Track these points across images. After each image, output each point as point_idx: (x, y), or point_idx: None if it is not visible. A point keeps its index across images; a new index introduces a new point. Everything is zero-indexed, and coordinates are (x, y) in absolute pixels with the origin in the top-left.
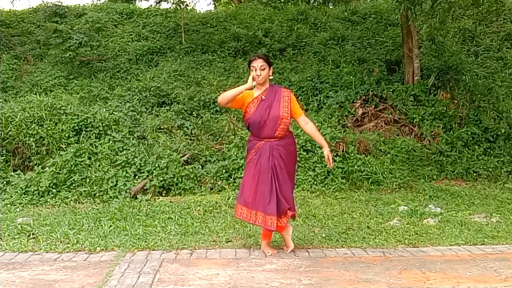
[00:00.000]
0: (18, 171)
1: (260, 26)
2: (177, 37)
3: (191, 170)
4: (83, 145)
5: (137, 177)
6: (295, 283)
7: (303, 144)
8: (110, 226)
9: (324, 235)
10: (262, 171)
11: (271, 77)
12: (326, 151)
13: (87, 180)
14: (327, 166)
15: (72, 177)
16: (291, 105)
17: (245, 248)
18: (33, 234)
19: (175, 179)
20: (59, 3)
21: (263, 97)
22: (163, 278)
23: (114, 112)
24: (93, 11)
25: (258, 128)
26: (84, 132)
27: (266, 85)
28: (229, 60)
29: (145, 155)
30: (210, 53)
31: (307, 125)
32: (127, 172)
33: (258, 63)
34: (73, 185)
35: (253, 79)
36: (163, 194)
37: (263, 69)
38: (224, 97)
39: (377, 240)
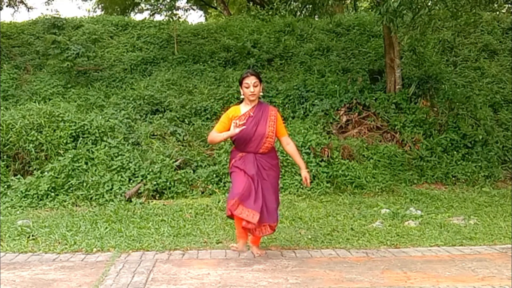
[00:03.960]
0: (18, 176)
1: (249, 38)
2: (170, 48)
3: (183, 174)
4: (80, 150)
5: (131, 181)
6: (282, 282)
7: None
8: (106, 228)
9: (310, 237)
10: (250, 175)
11: (261, 94)
12: (304, 172)
13: (84, 184)
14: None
15: (69, 181)
16: (277, 124)
17: None
18: (32, 235)
19: (168, 183)
20: (58, 16)
21: (252, 113)
22: (157, 277)
23: (110, 120)
24: (90, 23)
25: (244, 144)
26: (81, 138)
27: (255, 101)
28: (219, 70)
29: (139, 161)
30: (201, 63)
31: (289, 145)
32: (122, 177)
33: (252, 80)
34: (71, 189)
35: (237, 126)
36: (157, 198)
37: (256, 86)
38: (213, 141)
39: (360, 241)
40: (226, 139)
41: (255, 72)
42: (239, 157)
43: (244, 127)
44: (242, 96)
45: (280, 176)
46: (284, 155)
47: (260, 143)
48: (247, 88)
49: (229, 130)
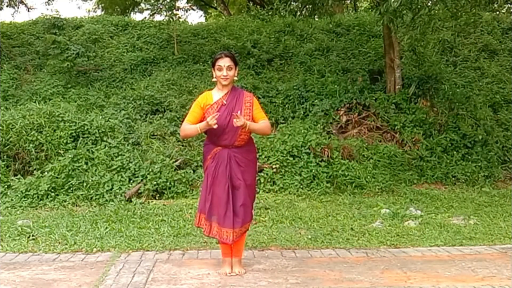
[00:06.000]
0: (19, 176)
1: (249, 38)
2: (170, 48)
3: (183, 174)
4: (80, 151)
5: (131, 181)
6: (282, 282)
7: (290, 150)
8: (106, 228)
9: (310, 237)
10: (220, 181)
11: (235, 78)
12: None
13: (84, 184)
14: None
15: (70, 181)
16: (253, 111)
17: None
18: (32, 235)
19: (168, 183)
20: (58, 16)
21: (224, 101)
22: (157, 277)
23: (110, 120)
24: (90, 23)
25: (217, 136)
26: (81, 138)
27: (229, 87)
28: None
29: (139, 161)
30: (201, 63)
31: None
32: (122, 177)
33: (226, 62)
34: (71, 189)
35: (212, 123)
36: (157, 198)
37: (230, 69)
38: (186, 135)
39: (360, 241)
40: (201, 132)
41: (230, 53)
42: (212, 155)
43: (215, 121)
44: (214, 79)
45: (280, 176)
46: (284, 154)
47: (235, 134)
48: (219, 70)
49: (201, 120)
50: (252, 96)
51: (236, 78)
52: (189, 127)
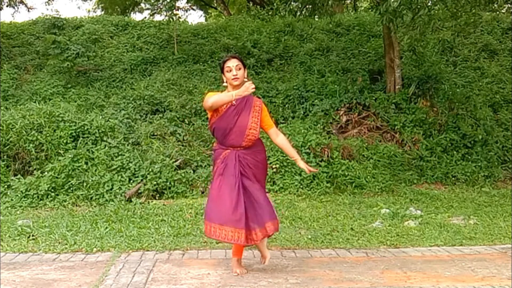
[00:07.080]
0: (19, 176)
1: (249, 38)
2: (170, 48)
3: (183, 174)
4: (80, 150)
5: (131, 181)
6: (282, 282)
7: None
8: (106, 228)
9: (310, 237)
10: (229, 181)
11: (245, 79)
12: (302, 164)
13: (84, 184)
14: (308, 171)
15: (70, 181)
16: (261, 116)
17: None
18: (32, 235)
19: (168, 183)
20: (58, 16)
21: (234, 102)
22: (157, 277)
23: (110, 120)
24: (90, 23)
25: (224, 135)
26: (81, 138)
27: (239, 88)
28: (219, 70)
29: (139, 161)
30: (201, 63)
31: (278, 137)
32: (122, 177)
33: (234, 62)
34: (71, 189)
35: (251, 87)
36: (157, 198)
37: (239, 69)
38: (215, 102)
39: (360, 241)
40: (235, 98)
41: (236, 55)
42: (222, 159)
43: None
44: (224, 84)
45: (280, 176)
46: (284, 154)
47: (243, 135)
48: (229, 72)
49: (212, 117)
50: (262, 102)
51: (245, 80)
52: (220, 94)
